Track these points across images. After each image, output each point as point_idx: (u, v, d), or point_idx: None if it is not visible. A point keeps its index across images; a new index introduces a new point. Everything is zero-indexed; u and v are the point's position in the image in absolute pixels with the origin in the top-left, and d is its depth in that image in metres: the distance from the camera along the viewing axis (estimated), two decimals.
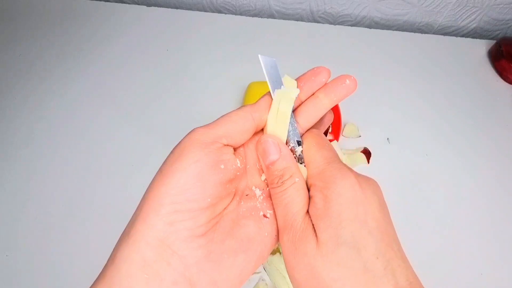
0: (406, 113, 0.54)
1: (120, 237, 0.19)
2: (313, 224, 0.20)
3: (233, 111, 0.22)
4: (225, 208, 0.21)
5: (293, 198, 0.21)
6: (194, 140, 0.20)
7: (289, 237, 0.20)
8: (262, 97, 0.24)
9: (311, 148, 0.23)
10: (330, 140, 0.47)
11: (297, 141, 0.23)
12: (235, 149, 0.23)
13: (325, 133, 0.47)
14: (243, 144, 0.24)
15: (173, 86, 0.54)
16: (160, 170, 0.20)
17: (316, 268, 0.19)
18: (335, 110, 0.49)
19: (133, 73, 0.56)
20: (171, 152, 0.21)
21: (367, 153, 0.48)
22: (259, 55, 0.23)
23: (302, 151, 0.23)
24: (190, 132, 0.21)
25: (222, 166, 0.20)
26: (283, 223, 0.21)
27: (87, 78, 0.55)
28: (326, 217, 0.20)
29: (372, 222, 0.20)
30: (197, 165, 0.19)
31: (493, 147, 0.51)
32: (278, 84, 0.23)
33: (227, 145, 0.21)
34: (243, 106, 0.23)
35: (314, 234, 0.20)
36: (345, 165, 0.22)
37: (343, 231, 0.19)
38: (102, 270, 0.19)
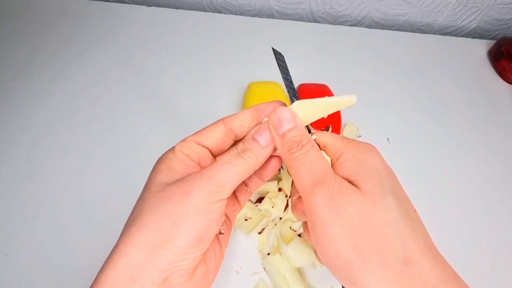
0: (406, 113, 0.54)
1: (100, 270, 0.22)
2: (348, 180, 0.21)
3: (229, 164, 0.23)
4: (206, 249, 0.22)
5: (317, 157, 0.22)
6: (142, 198, 0.25)
7: (323, 191, 0.20)
8: (215, 123, 0.25)
9: (329, 134, 0.25)
10: None
11: (307, 128, 0.25)
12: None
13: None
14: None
15: (173, 86, 0.54)
16: (123, 230, 0.23)
17: (367, 213, 0.19)
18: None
19: (133, 73, 0.56)
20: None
21: None
22: (272, 47, 0.25)
23: (314, 139, 0.24)
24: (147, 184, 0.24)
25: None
26: (312, 181, 0.21)
27: (87, 78, 0.55)
28: (366, 171, 0.21)
29: (398, 183, 0.22)
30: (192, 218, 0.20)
31: (493, 147, 0.51)
32: (287, 75, 0.26)
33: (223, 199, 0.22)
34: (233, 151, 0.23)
35: (353, 186, 0.21)
36: None
37: (384, 181, 0.21)
38: None
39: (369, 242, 0.19)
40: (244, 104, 0.27)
